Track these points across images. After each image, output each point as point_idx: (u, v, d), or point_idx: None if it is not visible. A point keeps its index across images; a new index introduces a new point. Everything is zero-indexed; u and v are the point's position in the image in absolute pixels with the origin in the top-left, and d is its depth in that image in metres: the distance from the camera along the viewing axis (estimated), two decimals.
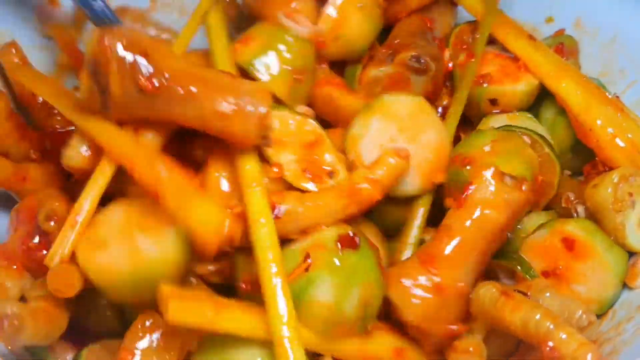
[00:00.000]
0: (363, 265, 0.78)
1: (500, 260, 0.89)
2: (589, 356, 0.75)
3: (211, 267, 0.83)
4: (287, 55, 0.90)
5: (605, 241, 0.89)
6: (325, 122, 0.90)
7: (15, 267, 0.89)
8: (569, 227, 0.90)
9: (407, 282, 0.80)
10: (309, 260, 0.77)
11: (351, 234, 0.78)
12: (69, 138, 0.97)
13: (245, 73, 0.90)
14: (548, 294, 0.83)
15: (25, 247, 0.88)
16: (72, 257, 0.79)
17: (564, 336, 0.76)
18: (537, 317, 0.77)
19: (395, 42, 0.98)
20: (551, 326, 0.77)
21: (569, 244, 0.89)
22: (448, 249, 0.80)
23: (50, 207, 0.87)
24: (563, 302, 0.82)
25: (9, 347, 0.82)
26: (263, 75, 0.90)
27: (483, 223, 0.81)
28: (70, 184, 0.99)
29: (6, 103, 1.00)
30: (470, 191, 0.82)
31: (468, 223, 0.81)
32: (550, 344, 0.75)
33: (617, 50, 1.06)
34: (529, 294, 0.83)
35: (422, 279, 0.80)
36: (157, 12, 1.18)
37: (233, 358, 0.75)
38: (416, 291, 0.79)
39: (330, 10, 0.95)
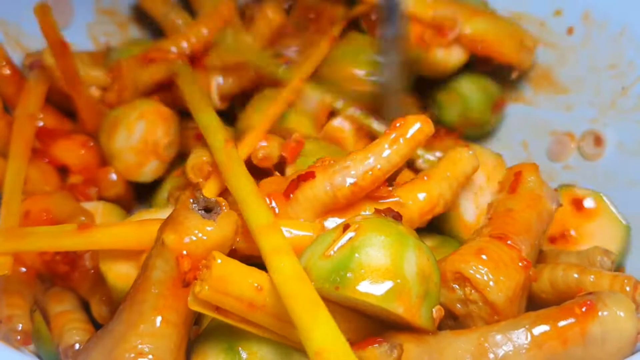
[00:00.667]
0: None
1: None
2: (626, 286, 0.77)
3: None
4: None
5: (610, 201, 0.93)
6: None
7: (25, 270, 0.88)
8: (577, 190, 0.94)
9: (487, 256, 0.75)
10: (349, 234, 0.69)
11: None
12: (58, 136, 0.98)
13: None
14: (562, 255, 0.86)
15: (47, 258, 0.86)
16: None
17: (592, 278, 0.78)
18: (561, 273, 0.79)
19: None
20: (576, 275, 0.78)
21: (578, 204, 0.92)
22: (518, 228, 0.80)
23: None
24: (579, 254, 0.85)
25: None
26: None
27: (538, 206, 0.83)
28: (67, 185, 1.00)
29: None
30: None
31: (526, 205, 0.83)
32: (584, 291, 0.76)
33: (625, 42, 1.05)
34: None
35: (506, 255, 0.76)
36: None
37: (240, 346, 0.72)
38: (502, 267, 0.75)
39: None
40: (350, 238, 0.70)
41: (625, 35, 1.05)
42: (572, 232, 0.92)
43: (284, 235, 0.71)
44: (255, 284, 0.68)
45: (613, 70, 1.05)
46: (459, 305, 0.76)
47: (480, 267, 0.75)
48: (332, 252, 0.69)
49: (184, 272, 0.69)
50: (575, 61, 1.09)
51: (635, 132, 1.01)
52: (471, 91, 1.10)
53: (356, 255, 0.69)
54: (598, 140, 1.06)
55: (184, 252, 0.69)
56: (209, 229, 0.69)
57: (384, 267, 0.68)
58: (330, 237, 0.71)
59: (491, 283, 0.74)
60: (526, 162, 0.90)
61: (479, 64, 1.11)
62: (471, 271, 0.74)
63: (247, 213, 0.74)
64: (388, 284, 0.68)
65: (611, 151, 1.04)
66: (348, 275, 0.68)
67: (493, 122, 1.14)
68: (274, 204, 0.79)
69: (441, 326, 0.76)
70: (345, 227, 0.71)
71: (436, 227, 0.87)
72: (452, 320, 0.77)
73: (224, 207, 0.71)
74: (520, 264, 0.76)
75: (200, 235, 0.69)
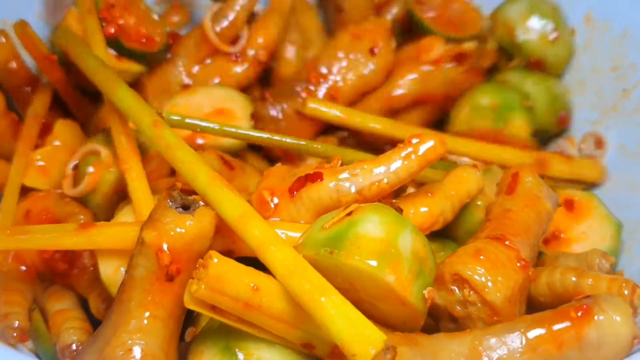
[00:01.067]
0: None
1: None
2: (624, 289, 0.76)
3: None
4: None
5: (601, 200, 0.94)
6: None
7: (25, 268, 0.88)
8: (568, 191, 0.95)
9: (485, 257, 0.75)
10: (348, 212, 0.71)
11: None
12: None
13: None
14: (561, 258, 0.85)
15: (47, 256, 0.87)
16: None
17: (590, 281, 0.77)
18: (559, 276, 0.78)
19: None
20: (574, 278, 0.78)
21: (569, 204, 0.93)
22: (516, 229, 0.79)
23: None
24: (578, 256, 0.84)
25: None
26: None
27: (537, 206, 0.82)
28: None
29: (2, 100, 0.98)
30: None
31: (525, 206, 0.82)
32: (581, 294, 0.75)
33: (628, 44, 1.05)
34: None
35: (504, 255, 0.76)
36: None
37: (237, 347, 0.72)
38: (500, 267, 0.75)
39: None
40: (349, 215, 0.71)
41: (628, 37, 1.05)
42: (565, 233, 0.92)
43: (264, 223, 0.71)
44: (252, 284, 0.68)
45: (615, 73, 1.04)
46: (458, 307, 0.76)
47: (478, 268, 0.74)
48: (329, 226, 0.71)
49: (165, 266, 0.70)
50: (577, 63, 1.09)
51: (636, 134, 1.01)
52: (536, 92, 1.05)
53: (353, 227, 0.70)
54: (599, 143, 1.05)
55: (164, 247, 0.70)
56: (187, 223, 0.71)
57: (378, 239, 0.69)
58: (331, 216, 0.72)
59: (489, 284, 0.74)
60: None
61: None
62: (469, 272, 0.74)
63: (216, 206, 0.73)
64: (381, 252, 0.69)
65: (612, 153, 1.04)
66: (343, 242, 0.69)
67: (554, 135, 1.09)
68: (276, 199, 0.79)
69: (441, 329, 0.77)
70: (346, 208, 0.73)
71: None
72: (452, 323, 0.77)
73: (201, 203, 0.72)
74: (518, 264, 0.76)
75: (178, 229, 0.71)
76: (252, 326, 0.70)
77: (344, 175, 0.78)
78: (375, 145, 0.98)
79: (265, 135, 0.91)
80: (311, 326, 0.68)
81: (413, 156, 0.78)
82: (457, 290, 0.75)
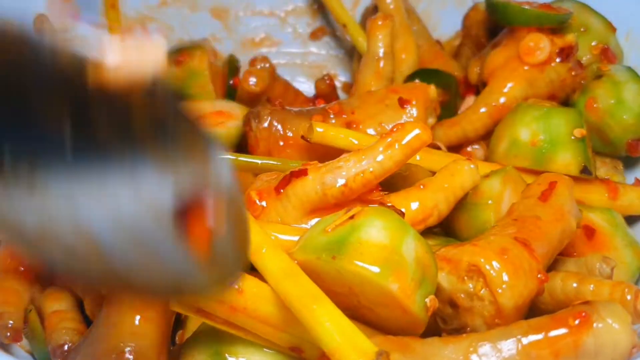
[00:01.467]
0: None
1: None
2: (627, 294, 0.74)
3: None
4: None
5: (627, 237, 0.88)
6: None
7: (22, 269, 0.87)
8: (593, 216, 0.88)
9: (509, 259, 0.72)
10: (350, 216, 0.70)
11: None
12: None
13: None
14: (559, 262, 0.82)
15: None
16: None
17: (592, 287, 0.75)
18: (559, 283, 0.76)
19: None
20: (575, 284, 0.76)
21: (589, 232, 0.87)
22: (542, 240, 0.77)
23: None
24: (577, 261, 0.81)
25: None
26: None
27: (563, 222, 0.80)
28: None
29: None
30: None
31: (555, 219, 0.79)
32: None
33: (630, 46, 1.03)
34: None
35: (527, 263, 0.73)
36: (168, 7, 1.18)
37: (227, 352, 0.71)
38: (521, 274, 0.73)
39: None
40: (352, 218, 0.70)
41: (630, 40, 1.04)
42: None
43: (260, 228, 0.71)
44: (236, 286, 0.67)
45: None
46: (462, 296, 0.73)
47: (500, 267, 0.72)
48: (331, 229, 0.70)
49: None
50: None
51: None
52: (628, 80, 0.93)
53: (356, 232, 0.69)
54: None
55: None
56: None
57: (382, 244, 0.68)
58: (332, 219, 0.71)
59: (504, 286, 0.72)
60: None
61: None
62: (487, 267, 0.72)
63: None
64: (385, 259, 0.68)
65: None
66: (346, 247, 0.68)
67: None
68: (264, 202, 0.78)
69: (436, 312, 0.74)
70: (348, 211, 0.71)
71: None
72: (451, 309, 0.75)
73: None
74: (539, 275, 0.74)
75: None
76: (239, 329, 0.69)
77: (328, 168, 0.78)
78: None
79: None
80: (298, 330, 0.67)
81: (396, 145, 0.77)
82: (469, 281, 0.73)
